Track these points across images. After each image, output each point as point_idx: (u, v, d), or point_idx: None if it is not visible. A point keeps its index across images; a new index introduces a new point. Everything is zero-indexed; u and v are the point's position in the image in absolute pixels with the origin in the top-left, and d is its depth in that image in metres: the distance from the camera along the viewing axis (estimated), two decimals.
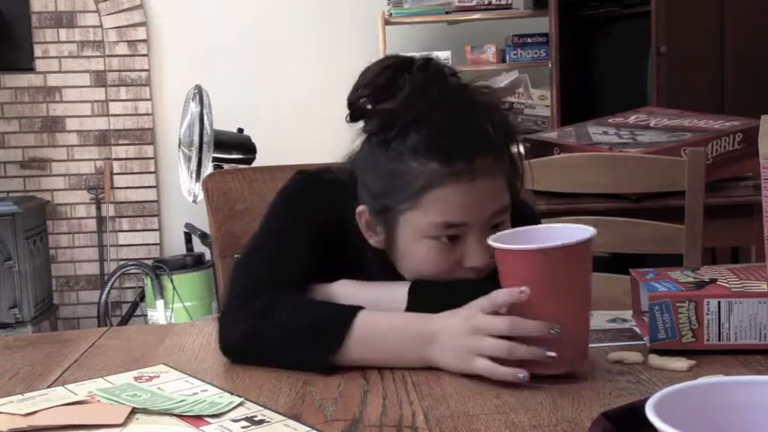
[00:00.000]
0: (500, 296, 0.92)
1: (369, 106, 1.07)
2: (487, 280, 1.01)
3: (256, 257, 1.10)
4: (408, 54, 1.12)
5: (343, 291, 1.07)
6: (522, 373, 0.89)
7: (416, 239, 1.04)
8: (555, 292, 0.90)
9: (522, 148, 1.11)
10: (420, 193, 1.01)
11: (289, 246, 1.09)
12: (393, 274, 1.09)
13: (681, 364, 0.93)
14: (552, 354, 0.89)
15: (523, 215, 1.12)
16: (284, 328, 0.99)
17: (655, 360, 0.95)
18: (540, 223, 1.18)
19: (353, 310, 0.99)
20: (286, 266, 1.07)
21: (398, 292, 1.05)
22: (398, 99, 1.04)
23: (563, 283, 0.91)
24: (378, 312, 1.00)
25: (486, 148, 1.02)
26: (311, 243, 1.09)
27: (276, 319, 1.00)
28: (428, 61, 1.08)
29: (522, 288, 0.90)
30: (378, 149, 1.05)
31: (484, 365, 0.91)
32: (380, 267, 1.09)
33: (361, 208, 1.09)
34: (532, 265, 0.91)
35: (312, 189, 1.15)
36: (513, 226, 1.04)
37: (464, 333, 0.94)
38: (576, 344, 0.93)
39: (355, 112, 1.09)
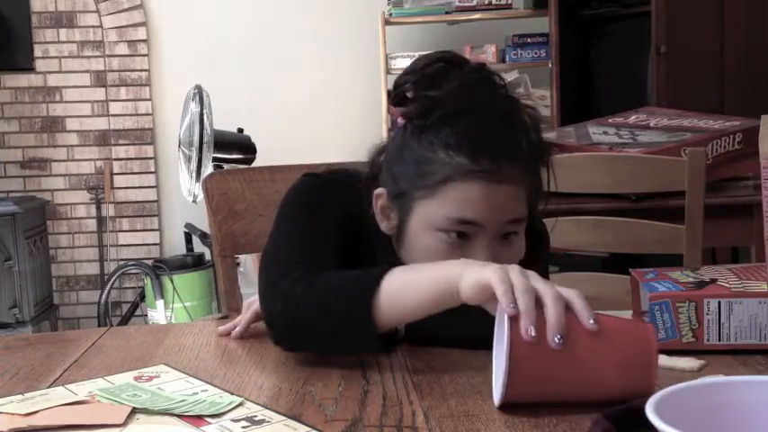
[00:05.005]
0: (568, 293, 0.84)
1: (410, 93, 1.07)
2: None
3: (283, 253, 1.06)
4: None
5: None
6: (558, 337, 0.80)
7: (427, 230, 1.03)
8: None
9: (552, 175, 1.10)
10: (441, 184, 1.02)
11: (315, 239, 1.07)
12: None
13: (692, 363, 0.93)
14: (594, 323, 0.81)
15: (537, 230, 1.14)
16: (323, 288, 0.97)
17: (663, 360, 0.94)
18: (549, 243, 1.22)
19: (386, 267, 0.96)
20: (316, 258, 1.04)
21: None
22: (444, 90, 1.04)
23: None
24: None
25: (515, 156, 1.03)
26: (334, 237, 1.08)
27: (315, 282, 0.98)
28: (482, 66, 1.09)
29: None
30: (411, 137, 1.06)
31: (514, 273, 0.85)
32: (390, 265, 1.08)
33: (379, 190, 1.09)
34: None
35: (326, 189, 1.15)
36: (527, 241, 1.06)
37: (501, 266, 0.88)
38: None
39: (398, 96, 1.10)
